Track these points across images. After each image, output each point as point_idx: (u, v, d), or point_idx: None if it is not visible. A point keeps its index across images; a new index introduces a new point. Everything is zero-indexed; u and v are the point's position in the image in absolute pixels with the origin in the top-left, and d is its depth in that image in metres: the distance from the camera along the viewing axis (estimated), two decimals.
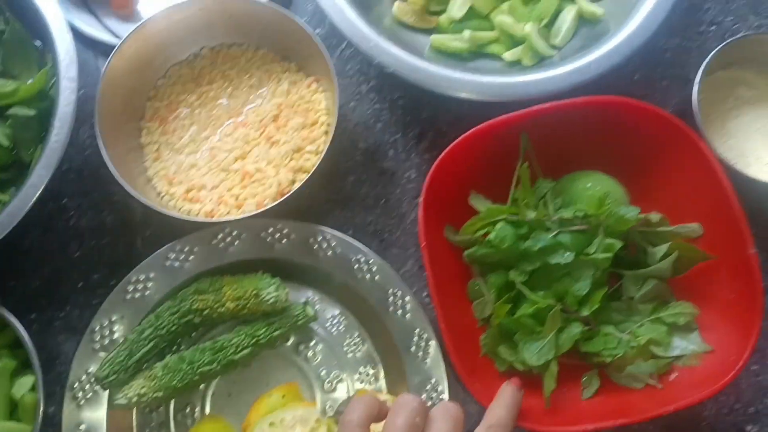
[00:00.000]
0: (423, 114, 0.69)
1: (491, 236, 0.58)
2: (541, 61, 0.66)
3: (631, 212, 0.58)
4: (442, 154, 0.58)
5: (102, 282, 0.66)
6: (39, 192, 0.56)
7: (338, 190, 0.68)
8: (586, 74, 0.59)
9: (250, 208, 0.63)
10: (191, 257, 0.64)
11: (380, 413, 0.47)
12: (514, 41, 0.67)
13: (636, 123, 0.60)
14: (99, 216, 0.68)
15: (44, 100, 0.61)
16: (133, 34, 0.63)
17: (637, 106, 0.59)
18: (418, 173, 0.68)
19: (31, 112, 0.60)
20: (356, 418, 0.45)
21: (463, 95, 0.59)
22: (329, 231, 0.63)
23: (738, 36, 0.63)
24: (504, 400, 0.52)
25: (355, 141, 0.69)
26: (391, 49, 0.60)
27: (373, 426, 0.46)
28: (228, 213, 0.63)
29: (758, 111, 0.66)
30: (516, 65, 0.67)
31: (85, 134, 0.69)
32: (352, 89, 0.70)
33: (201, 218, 0.62)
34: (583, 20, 0.68)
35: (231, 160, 0.65)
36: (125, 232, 0.67)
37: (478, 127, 0.59)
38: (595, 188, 0.61)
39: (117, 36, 0.70)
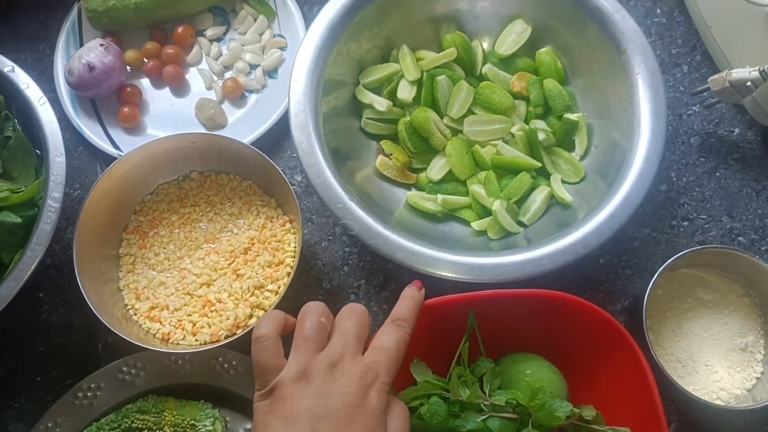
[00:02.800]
0: (389, 264, 0.71)
1: (423, 410, 0.59)
2: (506, 235, 0.68)
3: (563, 409, 0.58)
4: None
5: (59, 380, 0.69)
6: (4, 305, 0.60)
7: None
8: (539, 268, 0.61)
9: (204, 338, 0.65)
10: (142, 373, 0.66)
11: (287, 326, 0.51)
12: (486, 210, 0.69)
13: (581, 319, 0.61)
14: (69, 315, 0.71)
15: (32, 209, 0.66)
16: (127, 156, 0.67)
17: (582, 304, 0.60)
18: (374, 322, 0.70)
19: (18, 220, 0.64)
20: (265, 331, 0.49)
21: (418, 267, 0.61)
22: None
23: (705, 246, 0.64)
24: (406, 299, 0.54)
25: (320, 280, 0.72)
26: (358, 212, 0.63)
27: None
28: (183, 338, 0.66)
29: (714, 317, 0.67)
30: (483, 234, 0.69)
31: (71, 234, 0.73)
32: (327, 230, 0.73)
33: (154, 347, 0.64)
34: (555, 201, 0.70)
35: (197, 285, 0.68)
36: (89, 335, 0.71)
37: (429, 300, 0.61)
38: (533, 376, 0.61)
39: (116, 146, 0.75)
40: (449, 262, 0.61)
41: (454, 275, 0.60)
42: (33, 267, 0.61)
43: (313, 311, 0.51)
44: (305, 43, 0.69)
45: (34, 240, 0.62)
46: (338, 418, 0.46)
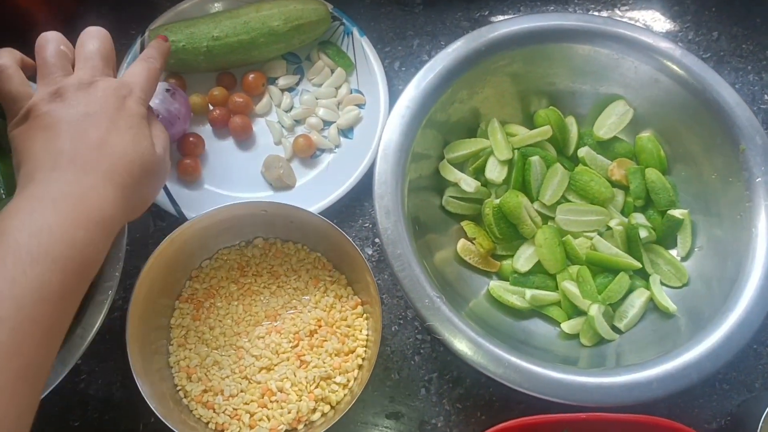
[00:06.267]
0: None
1: None
2: (600, 342, 0.62)
3: None
4: None
5: None
6: (49, 390, 0.53)
7: (359, 420, 0.64)
8: (647, 393, 0.54)
9: None
10: None
11: (25, 64, 0.52)
12: (576, 309, 0.64)
13: None
14: (109, 387, 0.65)
15: None
16: (193, 221, 0.61)
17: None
18: (446, 422, 0.64)
19: None
20: (4, 61, 0.50)
21: (510, 385, 0.55)
22: None
23: None
24: (151, 47, 0.59)
25: (389, 370, 0.65)
26: (446, 313, 0.56)
27: None
28: (239, 431, 0.59)
29: None
30: (573, 338, 0.63)
31: (117, 295, 0.67)
32: (398, 312, 0.67)
33: None
34: (652, 306, 0.64)
35: (256, 369, 0.61)
36: (131, 411, 0.64)
37: (523, 419, 0.55)
38: None
39: (173, 200, 0.68)
40: (553, 382, 0.54)
41: (556, 398, 0.54)
42: (83, 349, 0.55)
43: (50, 39, 0.51)
44: (395, 114, 0.63)
45: (87, 319, 0.55)
46: (100, 120, 0.48)
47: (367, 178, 0.68)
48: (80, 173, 0.47)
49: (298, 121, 0.73)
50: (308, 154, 0.71)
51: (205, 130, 0.73)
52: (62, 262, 0.43)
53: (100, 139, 0.48)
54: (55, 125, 0.47)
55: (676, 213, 0.64)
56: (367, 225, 0.70)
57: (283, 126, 0.72)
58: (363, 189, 0.69)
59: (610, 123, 0.68)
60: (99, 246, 0.47)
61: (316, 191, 0.69)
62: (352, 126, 0.72)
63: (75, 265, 0.44)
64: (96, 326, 0.55)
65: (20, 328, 0.40)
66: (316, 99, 0.73)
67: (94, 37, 0.53)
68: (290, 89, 0.74)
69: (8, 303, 0.40)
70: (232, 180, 0.71)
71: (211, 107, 0.72)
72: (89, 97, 0.49)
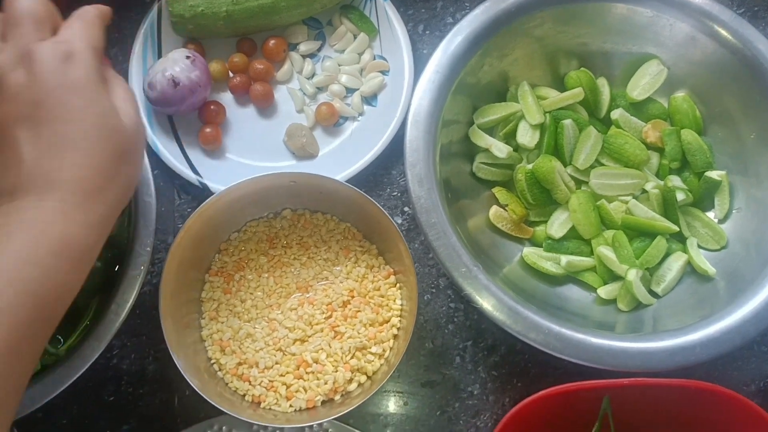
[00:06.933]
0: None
1: None
2: (637, 307, 0.62)
3: None
4: (516, 407, 0.54)
5: None
6: (86, 367, 0.53)
7: (395, 390, 0.64)
8: (691, 357, 0.54)
9: (299, 404, 0.59)
10: None
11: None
12: (612, 274, 0.63)
13: (729, 413, 0.55)
14: (142, 361, 0.64)
15: (114, 249, 0.58)
16: (221, 194, 0.60)
17: (735, 399, 0.54)
18: (482, 390, 0.63)
19: (97, 263, 0.57)
20: None
21: (553, 352, 0.54)
22: None
23: None
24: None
25: (423, 339, 0.65)
26: (483, 281, 0.55)
27: None
28: (276, 403, 0.59)
29: None
30: (610, 303, 0.62)
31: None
32: (430, 281, 0.66)
33: (242, 414, 0.56)
34: (689, 270, 0.63)
35: (290, 341, 0.61)
36: (165, 385, 0.64)
37: (563, 386, 0.55)
38: None
39: (195, 170, 0.67)
40: (595, 348, 0.54)
41: (599, 365, 0.54)
42: (118, 325, 0.54)
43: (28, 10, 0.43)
44: (424, 80, 0.61)
45: (120, 295, 0.54)
46: (52, 112, 0.41)
47: (393, 146, 0.67)
48: (40, 192, 0.40)
49: (320, 89, 0.71)
50: (331, 122, 0.69)
51: (225, 98, 0.71)
52: (9, 312, 0.37)
53: (57, 139, 0.41)
54: (7, 132, 0.41)
55: (714, 174, 0.63)
56: (395, 194, 0.69)
57: (305, 93, 0.71)
58: (388, 157, 0.68)
59: (643, 83, 0.66)
60: (63, 278, 0.40)
61: (339, 160, 0.68)
62: (375, 93, 0.70)
63: (27, 312, 0.38)
64: (130, 302, 0.55)
65: None
66: (339, 65, 0.71)
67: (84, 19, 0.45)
68: (312, 55, 0.72)
69: None
70: (254, 149, 0.69)
71: (231, 74, 0.70)
72: (28, 76, 0.41)
